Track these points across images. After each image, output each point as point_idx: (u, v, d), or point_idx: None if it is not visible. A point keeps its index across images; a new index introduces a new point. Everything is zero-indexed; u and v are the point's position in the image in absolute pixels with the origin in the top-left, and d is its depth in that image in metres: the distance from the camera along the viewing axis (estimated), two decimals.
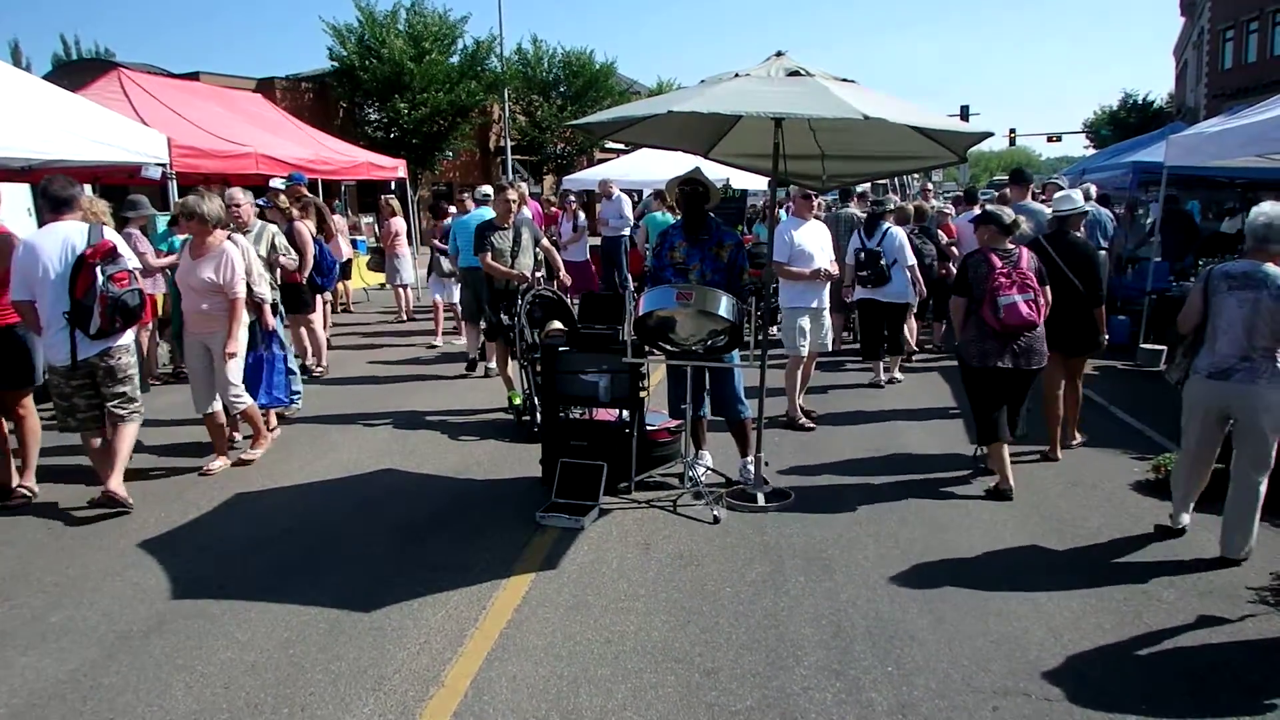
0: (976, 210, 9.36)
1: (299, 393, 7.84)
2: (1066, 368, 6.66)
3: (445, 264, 11.35)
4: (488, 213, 10.97)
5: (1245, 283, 4.63)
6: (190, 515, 5.62)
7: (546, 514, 5.41)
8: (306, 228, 9.20)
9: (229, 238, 6.44)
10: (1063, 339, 6.40)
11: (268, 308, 6.88)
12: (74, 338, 5.54)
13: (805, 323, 7.45)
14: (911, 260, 9.10)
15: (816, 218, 7.75)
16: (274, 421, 7.20)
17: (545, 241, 8.29)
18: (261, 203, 9.19)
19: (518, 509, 5.61)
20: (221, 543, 5.20)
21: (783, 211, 7.67)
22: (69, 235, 5.56)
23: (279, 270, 7.87)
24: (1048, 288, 5.91)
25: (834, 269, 7.57)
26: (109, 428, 5.83)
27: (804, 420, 7.57)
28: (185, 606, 4.39)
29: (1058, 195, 7.14)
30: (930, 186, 16.05)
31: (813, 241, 7.41)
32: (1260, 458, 4.67)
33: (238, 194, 7.50)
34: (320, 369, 9.84)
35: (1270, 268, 4.63)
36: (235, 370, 6.37)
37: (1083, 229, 7.43)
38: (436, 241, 11.69)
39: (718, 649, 3.95)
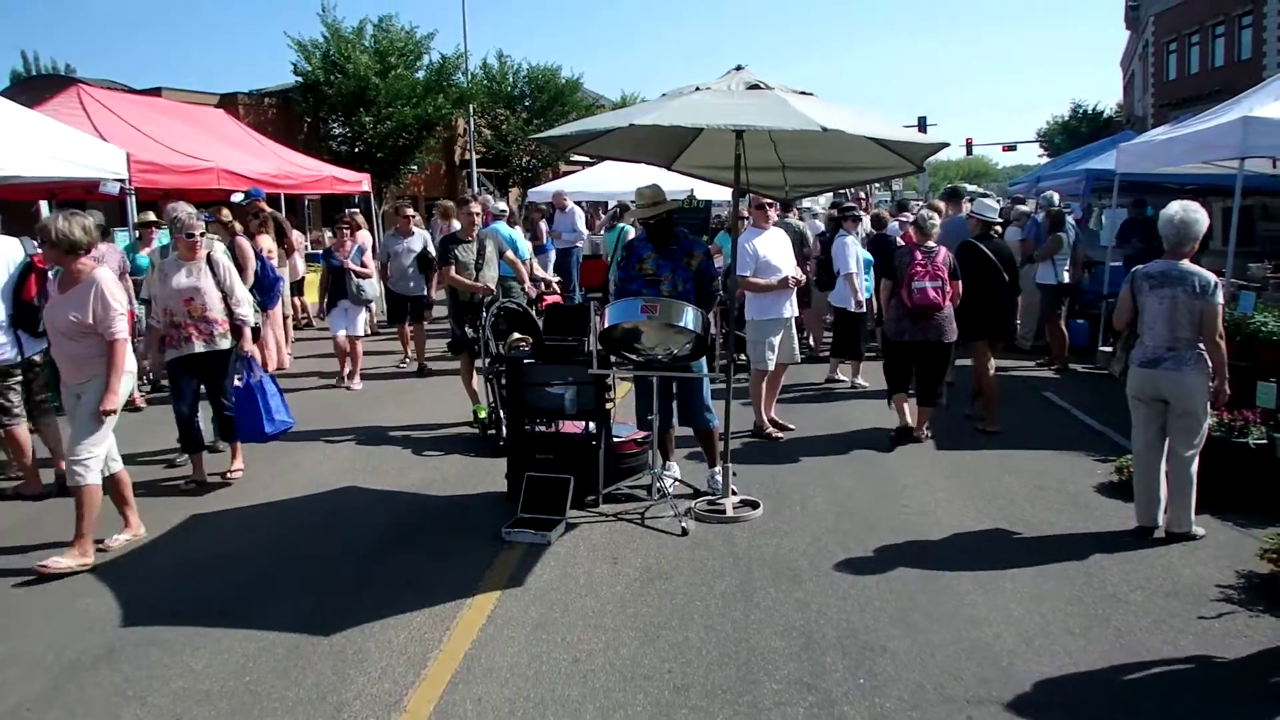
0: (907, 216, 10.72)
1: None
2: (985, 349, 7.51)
3: (367, 288, 9.72)
4: (502, 228, 10.78)
5: (1163, 281, 5.01)
6: (144, 538, 5.41)
7: (512, 529, 5.27)
8: (249, 243, 8.95)
9: (208, 253, 6.21)
10: (990, 324, 7.38)
11: (248, 331, 6.33)
12: (19, 338, 5.96)
13: (775, 338, 7.25)
14: (850, 269, 9.02)
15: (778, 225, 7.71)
16: (239, 460, 6.55)
17: (510, 254, 8.16)
18: (205, 217, 8.94)
19: (483, 525, 5.47)
20: (176, 566, 5.01)
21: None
22: (5, 249, 5.98)
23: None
24: (959, 282, 7.05)
25: (800, 275, 7.47)
26: (40, 425, 6.31)
27: (771, 430, 7.48)
28: (137, 634, 4.20)
29: (980, 203, 8.05)
30: (863, 195, 16.21)
31: (775, 250, 7.23)
32: (1188, 436, 5.00)
33: (183, 210, 6.33)
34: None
35: (1185, 265, 5.00)
36: (103, 431, 4.99)
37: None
38: (349, 261, 9.63)
39: (688, 665, 3.84)
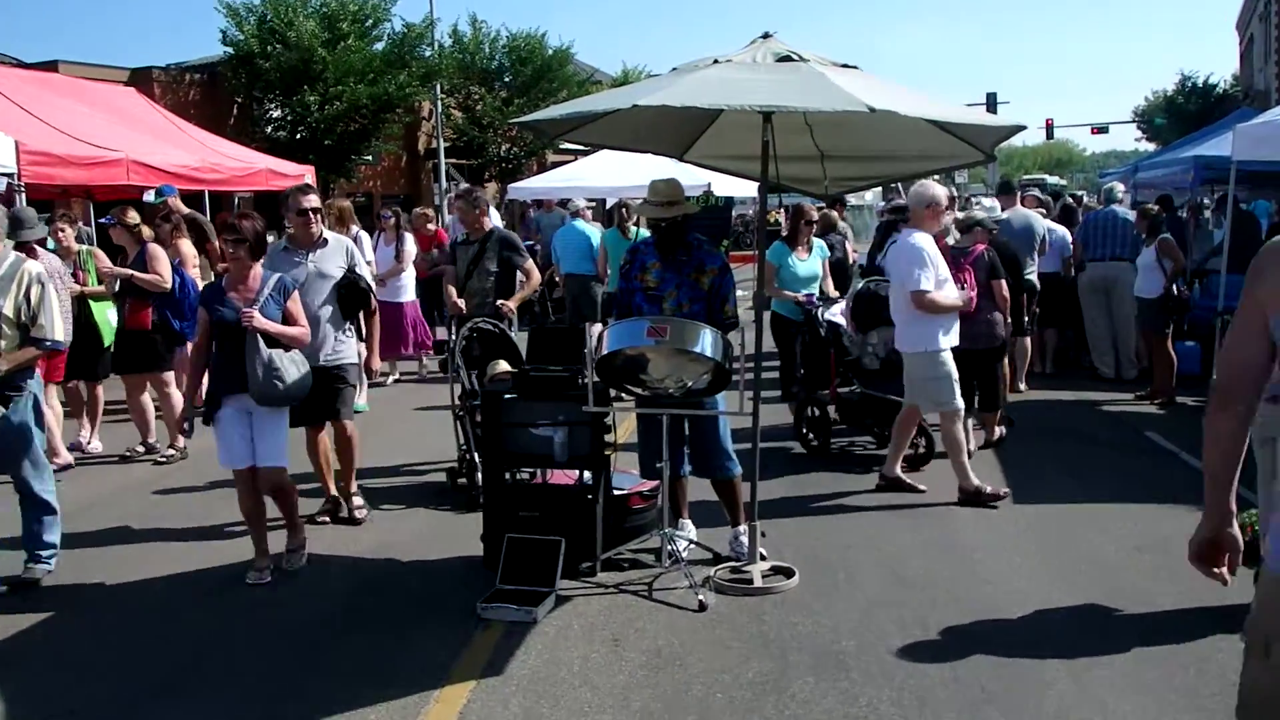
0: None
1: (53, 546, 5.96)
2: None
3: (286, 366, 5.67)
4: (580, 224, 10.88)
5: None
6: (38, 617, 5.44)
7: (489, 604, 5.30)
8: (163, 251, 8.98)
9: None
10: None
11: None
12: None
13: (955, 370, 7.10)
14: None
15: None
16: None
17: (530, 264, 8.14)
18: (107, 220, 9.03)
19: (454, 598, 5.50)
20: (73, 655, 5.04)
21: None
22: None
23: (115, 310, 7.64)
24: (1001, 281, 7.95)
25: (971, 294, 7.53)
26: None
27: (990, 488, 7.09)
28: None
29: (979, 204, 9.13)
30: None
31: (943, 261, 7.20)
32: None
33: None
34: (174, 450, 8.70)
35: None
36: None
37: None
38: (257, 313, 5.65)
39: None
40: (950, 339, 7.10)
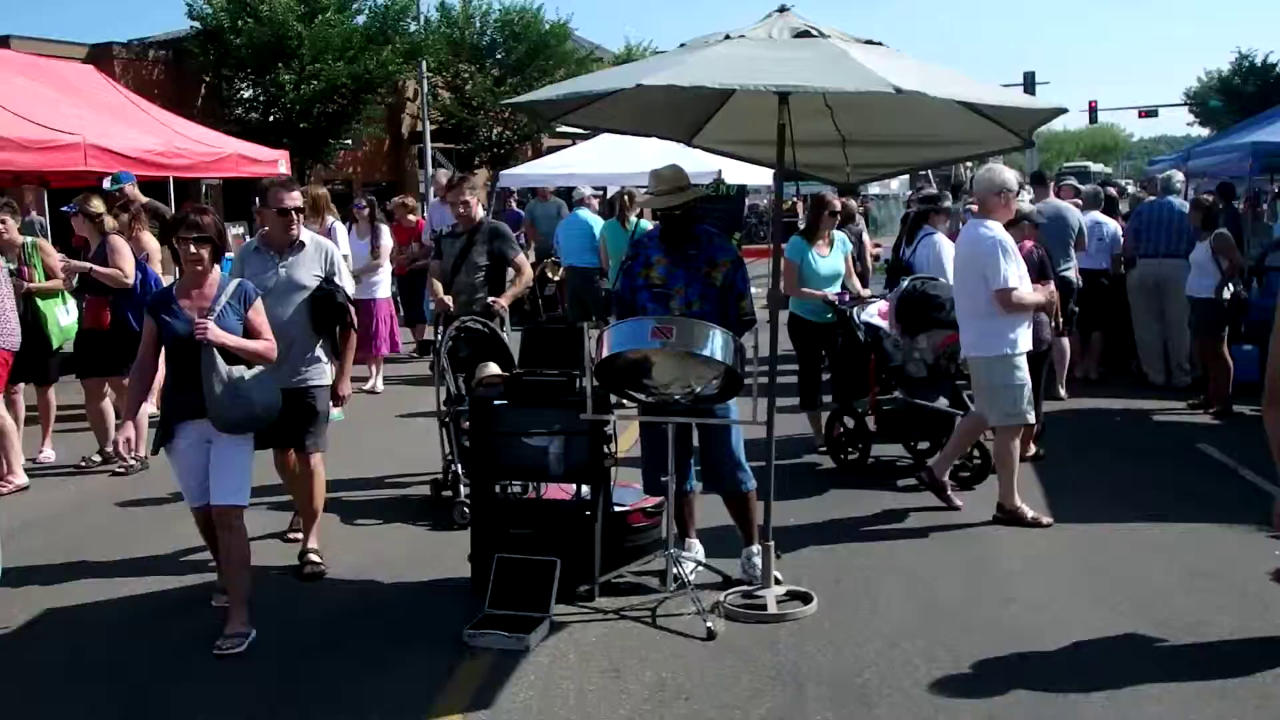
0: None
1: None
2: None
3: (250, 387, 5.26)
4: (584, 213, 11.35)
5: None
6: None
7: (478, 631, 5.28)
8: (126, 244, 8.94)
9: None
10: None
11: None
12: None
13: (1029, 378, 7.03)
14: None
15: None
16: None
17: (521, 257, 8.14)
18: (69, 208, 9.04)
19: (438, 624, 5.50)
20: (20, 683, 5.03)
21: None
22: None
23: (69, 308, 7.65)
24: (1049, 282, 7.72)
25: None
26: None
27: (1033, 513, 7.00)
28: None
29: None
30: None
31: (1020, 256, 7.15)
32: None
33: None
34: (134, 460, 8.22)
35: None
36: None
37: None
38: (211, 324, 5.12)
39: None
40: (1026, 341, 6.99)
